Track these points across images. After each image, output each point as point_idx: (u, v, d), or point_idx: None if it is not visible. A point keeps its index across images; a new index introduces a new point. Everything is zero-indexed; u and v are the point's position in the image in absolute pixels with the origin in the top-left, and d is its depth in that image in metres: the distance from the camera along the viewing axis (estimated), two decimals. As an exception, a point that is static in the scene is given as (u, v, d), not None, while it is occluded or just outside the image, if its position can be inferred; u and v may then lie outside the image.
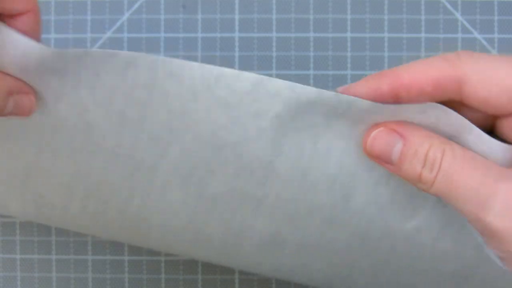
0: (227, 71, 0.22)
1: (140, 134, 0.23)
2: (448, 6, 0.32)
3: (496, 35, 0.32)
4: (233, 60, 0.32)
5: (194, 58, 0.32)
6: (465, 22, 0.32)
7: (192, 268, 0.33)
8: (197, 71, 0.22)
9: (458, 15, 0.32)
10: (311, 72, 0.32)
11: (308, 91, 0.22)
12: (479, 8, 0.32)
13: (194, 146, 0.23)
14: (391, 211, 0.24)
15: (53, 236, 0.33)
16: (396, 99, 0.21)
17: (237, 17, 0.33)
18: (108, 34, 0.32)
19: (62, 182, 0.26)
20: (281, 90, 0.22)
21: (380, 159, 0.22)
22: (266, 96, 0.22)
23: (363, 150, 0.22)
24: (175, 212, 0.25)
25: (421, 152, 0.21)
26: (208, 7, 0.33)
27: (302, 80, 0.32)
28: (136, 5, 0.33)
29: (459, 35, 0.32)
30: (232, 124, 0.23)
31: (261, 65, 0.32)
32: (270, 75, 0.32)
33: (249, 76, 0.22)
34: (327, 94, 0.21)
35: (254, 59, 0.32)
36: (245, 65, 0.32)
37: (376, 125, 0.22)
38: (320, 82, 0.32)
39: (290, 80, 0.32)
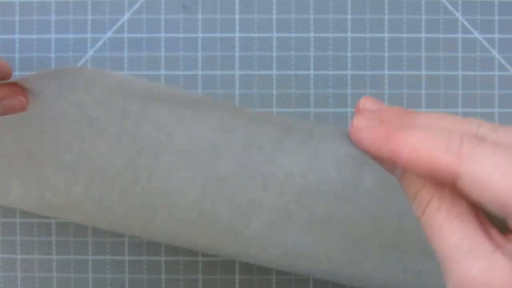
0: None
1: (143, 124, 0.24)
2: (449, 6, 0.32)
3: (496, 35, 0.32)
4: (233, 60, 0.32)
5: (194, 58, 0.32)
6: (465, 22, 0.32)
7: (193, 268, 0.33)
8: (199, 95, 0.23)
9: (458, 15, 0.32)
10: (311, 72, 0.32)
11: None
12: (479, 8, 0.32)
13: (200, 131, 0.24)
14: (402, 194, 0.24)
15: (54, 236, 0.33)
16: (392, 164, 0.21)
17: (237, 17, 0.33)
18: (109, 34, 0.32)
19: (65, 165, 0.26)
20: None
21: None
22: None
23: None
24: (182, 191, 0.25)
25: (412, 190, 0.20)
26: (208, 7, 0.33)
27: (303, 80, 0.32)
28: (136, 5, 0.33)
29: (459, 35, 0.32)
30: (242, 109, 0.23)
31: (261, 65, 0.32)
32: (270, 75, 0.32)
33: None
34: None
35: (254, 59, 0.32)
36: (245, 65, 0.32)
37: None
38: (320, 82, 0.32)
39: (290, 80, 0.32)
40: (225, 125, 0.23)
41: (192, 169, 0.25)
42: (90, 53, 0.32)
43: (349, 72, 0.32)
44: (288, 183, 0.25)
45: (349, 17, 0.32)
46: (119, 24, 0.33)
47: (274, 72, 0.32)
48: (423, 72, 0.32)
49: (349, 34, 0.32)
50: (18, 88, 0.24)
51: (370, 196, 0.24)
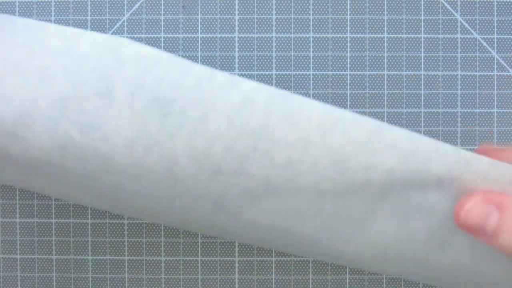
0: (347, 116, 0.21)
1: (232, 188, 0.22)
2: (448, 6, 0.32)
3: (495, 36, 0.32)
4: (233, 61, 0.32)
5: (194, 58, 0.32)
6: (464, 23, 0.32)
7: (192, 268, 0.33)
8: (316, 111, 0.21)
9: (457, 16, 0.32)
10: (311, 72, 0.32)
11: (428, 144, 0.21)
12: (478, 8, 0.32)
13: (290, 197, 0.22)
14: (487, 265, 0.23)
15: (53, 236, 0.33)
16: None
17: (236, 17, 0.33)
18: (108, 34, 0.33)
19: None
20: (399, 141, 0.21)
21: (473, 230, 0.22)
22: (382, 147, 0.21)
23: (454, 220, 0.22)
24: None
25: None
26: (208, 8, 0.33)
27: (302, 80, 0.32)
28: (136, 6, 0.33)
29: (458, 36, 0.32)
30: (339, 176, 0.22)
31: (261, 66, 0.32)
32: (270, 76, 0.32)
33: (368, 123, 0.21)
34: (447, 148, 0.21)
35: (254, 60, 0.32)
36: (245, 66, 0.32)
37: (470, 195, 0.21)
38: (319, 82, 0.32)
39: (289, 80, 0.32)
40: (319, 192, 0.22)
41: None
42: (89, 53, 0.32)
43: (348, 72, 0.32)
44: (375, 247, 0.24)
45: (348, 17, 0.32)
46: (118, 24, 0.33)
47: (273, 72, 0.32)
48: (422, 72, 0.32)
49: (348, 35, 0.32)
50: None
51: (455, 261, 0.24)
